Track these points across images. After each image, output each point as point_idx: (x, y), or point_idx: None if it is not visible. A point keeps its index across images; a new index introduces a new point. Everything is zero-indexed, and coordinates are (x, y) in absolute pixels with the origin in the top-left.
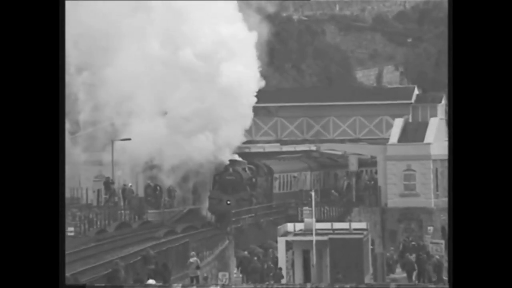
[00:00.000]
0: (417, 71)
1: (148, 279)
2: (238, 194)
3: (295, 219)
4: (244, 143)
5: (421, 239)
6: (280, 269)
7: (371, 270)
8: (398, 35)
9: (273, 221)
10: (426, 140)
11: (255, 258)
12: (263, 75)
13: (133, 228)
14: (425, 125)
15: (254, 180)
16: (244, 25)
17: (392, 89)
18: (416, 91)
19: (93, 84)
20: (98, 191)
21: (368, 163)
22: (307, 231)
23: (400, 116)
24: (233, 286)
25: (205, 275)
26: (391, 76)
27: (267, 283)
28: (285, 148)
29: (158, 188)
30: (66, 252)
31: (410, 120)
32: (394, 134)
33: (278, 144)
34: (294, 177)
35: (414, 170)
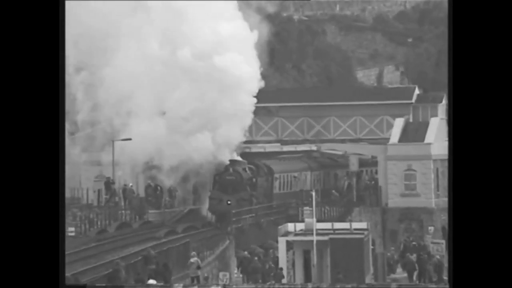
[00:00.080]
0: (418, 71)
1: (148, 279)
2: (238, 194)
3: (295, 219)
4: (244, 143)
5: (422, 239)
6: (281, 269)
7: (371, 270)
8: (399, 35)
9: (274, 221)
10: (426, 140)
11: (256, 258)
12: (264, 75)
13: (134, 228)
14: (425, 125)
15: (254, 180)
16: (244, 25)
17: (393, 89)
18: (417, 91)
19: (92, 84)
20: (99, 191)
21: (368, 163)
22: (308, 231)
23: (400, 116)
24: (233, 286)
25: (205, 275)
26: (392, 76)
27: (269, 283)
28: (286, 148)
29: (158, 188)
30: (67, 252)
31: (411, 120)
32: (395, 134)
33: (278, 144)
34: (295, 177)
35: (414, 170)
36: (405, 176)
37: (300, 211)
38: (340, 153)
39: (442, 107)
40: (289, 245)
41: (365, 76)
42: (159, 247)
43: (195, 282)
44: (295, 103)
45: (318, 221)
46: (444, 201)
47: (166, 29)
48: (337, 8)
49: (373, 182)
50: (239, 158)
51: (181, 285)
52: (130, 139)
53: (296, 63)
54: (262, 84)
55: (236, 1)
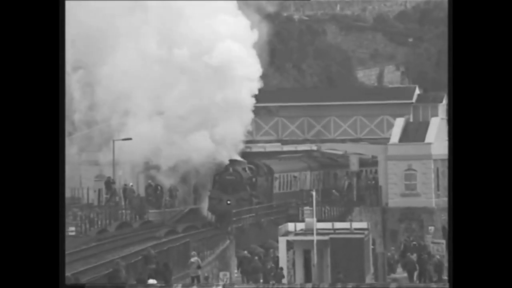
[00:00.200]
0: (418, 71)
1: (149, 279)
2: (238, 194)
3: (296, 218)
4: (245, 143)
5: (422, 239)
6: (281, 269)
7: (372, 270)
8: (399, 35)
9: (274, 221)
10: (427, 140)
11: (256, 258)
12: (264, 74)
13: (134, 228)
14: (426, 125)
15: (254, 180)
16: (243, 24)
17: (393, 89)
18: (417, 91)
19: (89, 83)
20: (99, 190)
21: (369, 163)
22: (308, 231)
23: (401, 115)
24: (234, 286)
25: (206, 274)
26: (392, 76)
27: (271, 282)
28: (286, 148)
29: (159, 188)
30: (67, 252)
31: (411, 120)
32: (395, 134)
33: (279, 144)
34: (294, 177)
35: (415, 170)
36: (405, 176)
37: (300, 210)
38: (341, 153)
39: (443, 107)
40: (290, 245)
41: (366, 76)
42: (160, 247)
43: (195, 281)
44: (296, 103)
45: (318, 220)
46: (444, 201)
47: (164, 29)
48: (338, 8)
49: (373, 182)
50: (239, 158)
51: (181, 285)
52: (130, 138)
53: (297, 63)
54: (261, 83)
55: (235, 1)
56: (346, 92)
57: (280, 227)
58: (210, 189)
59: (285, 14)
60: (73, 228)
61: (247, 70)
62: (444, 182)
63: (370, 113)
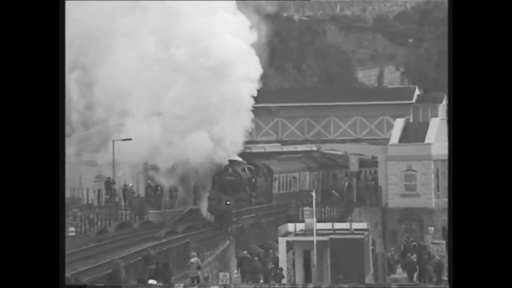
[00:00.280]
0: (418, 71)
1: (149, 279)
2: (237, 194)
3: (295, 219)
4: (244, 143)
5: (422, 240)
6: (281, 269)
7: (372, 270)
8: (399, 35)
9: (274, 221)
10: (427, 141)
11: (256, 258)
12: (264, 75)
13: (134, 228)
14: (426, 125)
15: (253, 180)
16: (243, 24)
17: (393, 89)
18: (417, 91)
19: (86, 83)
20: (99, 191)
21: (369, 164)
22: (308, 231)
23: (401, 116)
24: (233, 286)
25: (206, 275)
26: (392, 77)
27: (272, 282)
28: (286, 148)
29: (159, 188)
30: (67, 252)
31: (411, 121)
32: (395, 134)
33: (279, 144)
34: (294, 177)
35: (415, 171)
36: (405, 177)
37: (300, 211)
38: (341, 153)
39: (443, 108)
40: (289, 245)
41: (366, 76)
42: (159, 247)
43: (195, 282)
44: (296, 103)
45: (318, 221)
46: (444, 201)
47: (163, 28)
48: (338, 8)
49: (373, 183)
50: (238, 158)
51: (181, 285)
52: (130, 139)
53: (297, 63)
54: (261, 84)
55: (235, 1)
56: (346, 93)
57: (280, 227)
58: (210, 190)
59: (285, 15)
60: (73, 229)
61: (247, 70)
62: (444, 182)
63: (370, 114)
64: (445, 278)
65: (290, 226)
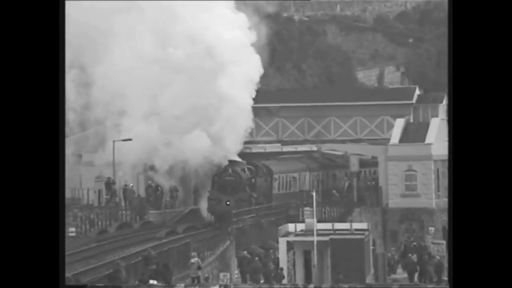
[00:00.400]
0: (418, 71)
1: (149, 279)
2: (237, 194)
3: (296, 219)
4: (245, 143)
5: (422, 240)
6: (281, 269)
7: (372, 270)
8: (399, 35)
9: (274, 221)
10: (427, 141)
11: (256, 258)
12: (264, 75)
13: (134, 229)
14: (426, 125)
15: (253, 180)
16: (242, 24)
17: (393, 89)
18: (417, 92)
19: (84, 83)
20: (99, 191)
21: (369, 164)
22: (308, 232)
23: (401, 116)
24: (233, 286)
25: (206, 275)
26: (392, 77)
27: (274, 282)
28: (286, 149)
29: (159, 188)
30: (68, 253)
31: (411, 121)
32: (395, 134)
33: (279, 145)
34: (294, 177)
35: (415, 171)
36: (405, 177)
37: (300, 211)
38: (341, 153)
39: (443, 108)
40: (290, 246)
41: (366, 76)
42: (160, 248)
43: (196, 282)
44: (296, 104)
45: (318, 221)
46: (444, 201)
47: (161, 28)
48: (338, 9)
49: (373, 183)
50: (238, 159)
51: (182, 285)
52: (130, 139)
53: (297, 63)
54: (261, 84)
55: (234, 1)
56: (346, 93)
57: (280, 227)
58: (209, 190)
59: (285, 15)
60: (73, 229)
61: (246, 70)
62: (445, 182)
63: (370, 114)
64: (446, 278)
65: (291, 226)
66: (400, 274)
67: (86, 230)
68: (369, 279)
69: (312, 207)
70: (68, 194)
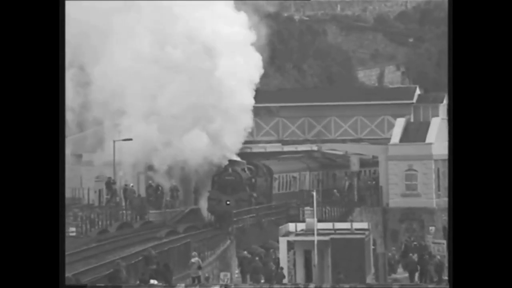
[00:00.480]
0: (419, 71)
1: (149, 279)
2: (237, 194)
3: (296, 219)
4: (245, 143)
5: (423, 239)
6: (282, 269)
7: (372, 270)
8: (400, 35)
9: (275, 221)
10: (427, 140)
11: (257, 258)
12: (264, 75)
13: (135, 228)
14: (426, 125)
15: (253, 180)
16: (242, 24)
17: (394, 89)
18: (418, 91)
19: (83, 82)
20: (100, 191)
21: (369, 163)
22: (309, 231)
23: (401, 116)
24: (234, 286)
25: (206, 275)
26: (393, 76)
27: (274, 282)
28: (287, 148)
29: (159, 188)
30: (68, 253)
31: (412, 120)
32: (396, 134)
33: (279, 144)
34: (294, 177)
35: (415, 170)
36: (406, 176)
37: (301, 211)
38: (341, 153)
39: (443, 107)
40: (290, 245)
41: (366, 76)
42: (160, 247)
43: (196, 282)
44: (296, 103)
45: (319, 221)
46: (445, 201)
47: (161, 28)
48: (338, 8)
49: (374, 182)
50: (238, 158)
51: (182, 285)
52: (130, 139)
53: (297, 63)
54: (261, 83)
55: (234, 0)
56: (347, 93)
57: (280, 227)
58: (209, 190)
59: (285, 14)
60: (73, 229)
61: (246, 70)
62: (445, 182)
63: (370, 113)
64: (446, 277)
65: (291, 226)
66: (401, 273)
67: (86, 230)
68: (370, 279)
69: (312, 206)
70: (68, 194)
